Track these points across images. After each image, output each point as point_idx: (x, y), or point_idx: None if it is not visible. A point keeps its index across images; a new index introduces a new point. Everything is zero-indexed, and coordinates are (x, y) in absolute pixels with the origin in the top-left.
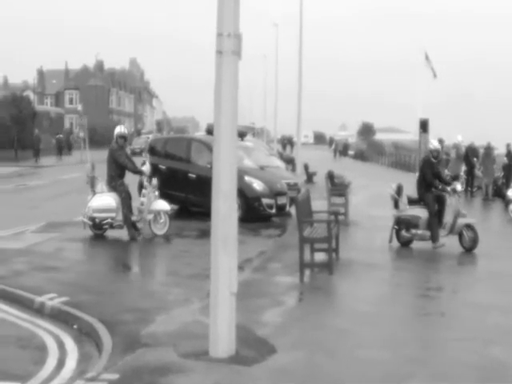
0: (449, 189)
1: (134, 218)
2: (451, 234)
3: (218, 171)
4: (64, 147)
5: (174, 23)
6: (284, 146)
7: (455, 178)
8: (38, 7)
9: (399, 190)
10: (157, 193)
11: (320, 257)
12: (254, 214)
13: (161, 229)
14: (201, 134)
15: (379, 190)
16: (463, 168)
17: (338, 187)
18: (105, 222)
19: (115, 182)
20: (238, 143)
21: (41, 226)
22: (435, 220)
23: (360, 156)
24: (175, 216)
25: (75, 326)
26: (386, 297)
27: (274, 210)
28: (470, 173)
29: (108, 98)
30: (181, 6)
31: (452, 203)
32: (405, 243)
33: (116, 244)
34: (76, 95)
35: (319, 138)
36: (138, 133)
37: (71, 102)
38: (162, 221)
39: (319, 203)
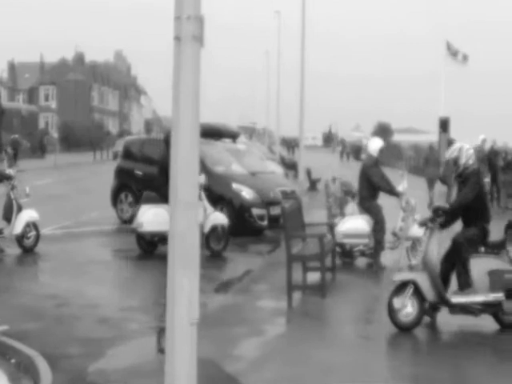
0: None
1: (387, 246)
2: None
3: (175, 177)
4: (18, 150)
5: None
6: (290, 149)
7: None
8: None
9: None
10: (416, 216)
11: (313, 277)
12: (243, 226)
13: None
14: None
15: (391, 200)
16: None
17: None
18: (356, 248)
19: (369, 202)
20: (228, 146)
21: None
22: None
23: None
24: None
25: (13, 361)
26: (383, 325)
27: (265, 222)
28: (494, 179)
29: (89, 94)
30: None
31: None
32: None
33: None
34: (52, 91)
35: (329, 140)
36: (127, 133)
37: (47, 98)
38: (421, 249)
39: (320, 214)
